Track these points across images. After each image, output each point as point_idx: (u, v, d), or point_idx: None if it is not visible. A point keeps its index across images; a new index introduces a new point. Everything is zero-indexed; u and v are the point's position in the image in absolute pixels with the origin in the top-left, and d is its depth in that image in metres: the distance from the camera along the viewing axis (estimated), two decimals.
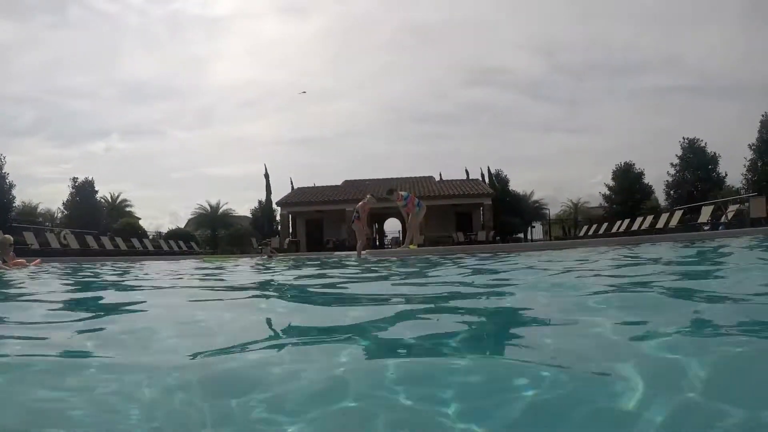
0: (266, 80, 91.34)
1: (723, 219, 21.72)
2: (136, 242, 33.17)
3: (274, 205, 45.91)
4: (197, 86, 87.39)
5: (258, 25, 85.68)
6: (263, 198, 50.86)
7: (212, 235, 52.89)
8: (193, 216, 57.08)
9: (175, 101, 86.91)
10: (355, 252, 16.41)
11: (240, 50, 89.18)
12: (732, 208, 22.13)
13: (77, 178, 45.18)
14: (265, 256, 20.74)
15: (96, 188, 45.92)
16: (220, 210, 56.11)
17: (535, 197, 57.07)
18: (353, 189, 41.74)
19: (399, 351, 2.04)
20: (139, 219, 53.42)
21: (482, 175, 47.40)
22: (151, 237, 43.57)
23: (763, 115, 35.56)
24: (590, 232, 37.50)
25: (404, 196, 15.93)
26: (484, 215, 39.24)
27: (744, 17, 75.20)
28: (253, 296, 4.61)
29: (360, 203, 16.34)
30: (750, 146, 35.99)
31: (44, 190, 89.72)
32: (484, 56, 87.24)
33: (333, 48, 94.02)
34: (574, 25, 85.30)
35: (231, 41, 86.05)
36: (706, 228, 21.51)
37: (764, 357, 1.60)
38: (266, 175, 49.65)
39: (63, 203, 45.89)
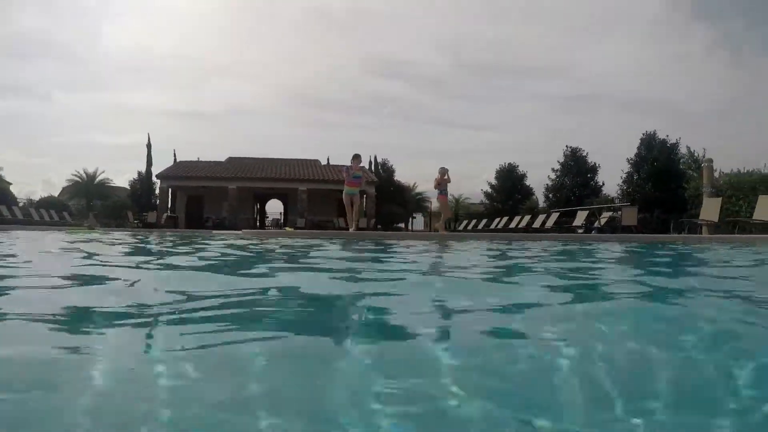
0: (161, 49, 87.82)
1: (596, 224, 23.26)
2: (4, 209, 31.41)
3: (154, 178, 44.23)
4: (84, 47, 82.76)
5: None
6: (144, 170, 49.05)
7: (87, 205, 50.63)
8: (68, 184, 54.39)
9: (56, 61, 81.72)
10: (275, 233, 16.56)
11: (135, 13, 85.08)
12: (605, 215, 23.78)
13: None
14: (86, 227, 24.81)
15: None
16: (97, 179, 53.79)
17: (418, 189, 58.93)
18: (237, 167, 41.28)
19: None
20: (10, 184, 50.41)
21: (369, 164, 48.37)
22: (21, 205, 41.35)
23: (643, 134, 38.47)
24: (470, 227, 39.35)
25: (363, 169, 16.28)
26: (366, 203, 40.09)
27: (643, 36, 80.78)
28: None
29: (442, 177, 16.21)
30: (628, 160, 38.88)
31: None
32: (390, 48, 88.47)
33: (236, 24, 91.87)
34: (483, 26, 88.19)
35: (126, 2, 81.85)
36: (579, 231, 22.92)
37: None
38: (149, 146, 47.83)
39: None
